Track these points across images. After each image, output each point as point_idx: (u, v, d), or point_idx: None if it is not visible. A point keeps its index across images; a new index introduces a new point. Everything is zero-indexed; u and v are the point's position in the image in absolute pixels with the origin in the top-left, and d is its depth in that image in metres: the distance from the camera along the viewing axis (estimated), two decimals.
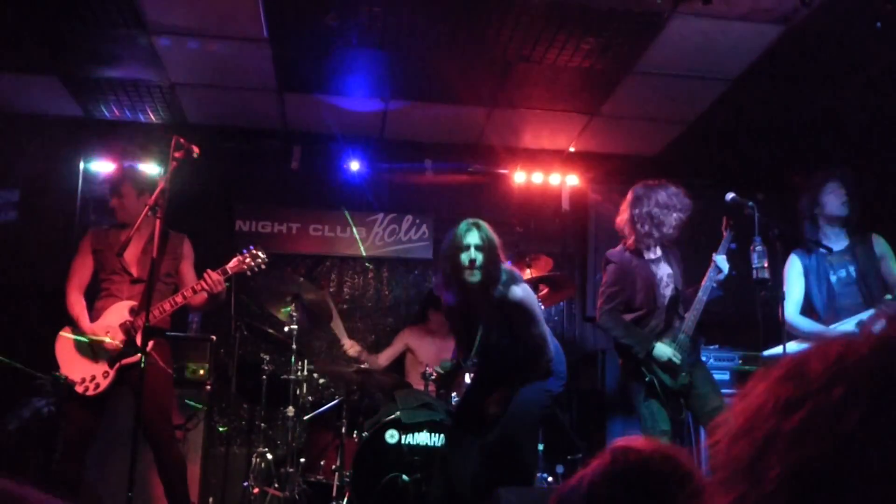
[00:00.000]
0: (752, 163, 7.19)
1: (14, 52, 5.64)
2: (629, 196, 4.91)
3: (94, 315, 4.85)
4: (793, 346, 4.89)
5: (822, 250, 4.90)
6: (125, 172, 5.35)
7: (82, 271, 4.99)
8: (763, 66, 5.54)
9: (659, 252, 4.89)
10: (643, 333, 4.70)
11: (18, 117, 6.58)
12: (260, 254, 4.90)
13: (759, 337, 4.82)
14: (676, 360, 4.59)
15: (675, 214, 4.80)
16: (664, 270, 4.84)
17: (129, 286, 4.89)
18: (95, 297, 4.95)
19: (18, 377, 5.62)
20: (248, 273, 4.93)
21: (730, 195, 4.66)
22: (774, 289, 4.66)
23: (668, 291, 4.80)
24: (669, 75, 5.78)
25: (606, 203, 7.36)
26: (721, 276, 4.70)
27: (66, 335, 4.86)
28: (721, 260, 4.70)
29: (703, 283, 4.71)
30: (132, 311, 4.77)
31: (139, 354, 4.66)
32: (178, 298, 4.77)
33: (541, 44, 5.34)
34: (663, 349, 4.61)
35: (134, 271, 4.91)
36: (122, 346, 4.72)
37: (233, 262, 4.86)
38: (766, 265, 4.38)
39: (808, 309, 4.93)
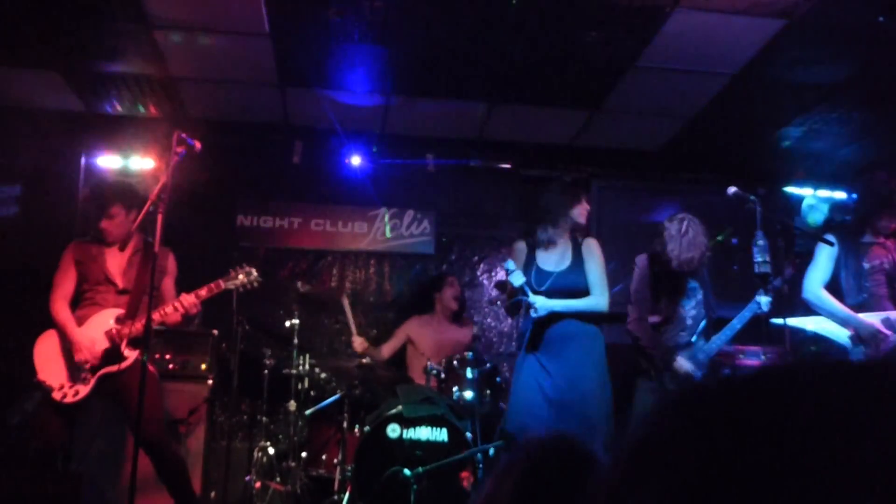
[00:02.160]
0: (753, 157, 7.19)
1: (15, 47, 5.63)
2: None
3: (76, 322, 4.79)
4: (798, 321, 4.93)
5: (858, 238, 4.92)
6: (114, 191, 5.04)
7: (66, 283, 4.89)
8: (764, 61, 5.53)
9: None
10: (667, 347, 4.83)
11: (19, 112, 6.58)
12: (253, 271, 4.88)
13: (759, 333, 4.84)
14: (696, 376, 4.67)
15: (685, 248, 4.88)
16: (688, 283, 4.96)
17: (114, 296, 4.84)
18: (77, 306, 4.88)
19: (20, 372, 5.63)
20: (240, 289, 4.88)
21: (731, 189, 4.66)
22: (776, 284, 4.67)
23: (689, 305, 4.92)
24: (671, 70, 5.77)
25: (608, 198, 7.36)
26: (761, 311, 4.71)
27: (47, 340, 4.79)
28: (765, 302, 4.67)
29: (742, 312, 4.75)
30: (118, 320, 4.73)
31: (121, 363, 4.61)
32: (156, 316, 4.66)
33: (542, 38, 5.34)
34: (683, 363, 4.71)
35: (119, 282, 4.86)
36: (104, 354, 4.66)
37: (226, 278, 4.84)
38: (767, 259, 4.38)
39: (832, 292, 4.92)
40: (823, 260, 4.95)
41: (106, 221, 4.87)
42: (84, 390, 4.63)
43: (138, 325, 4.54)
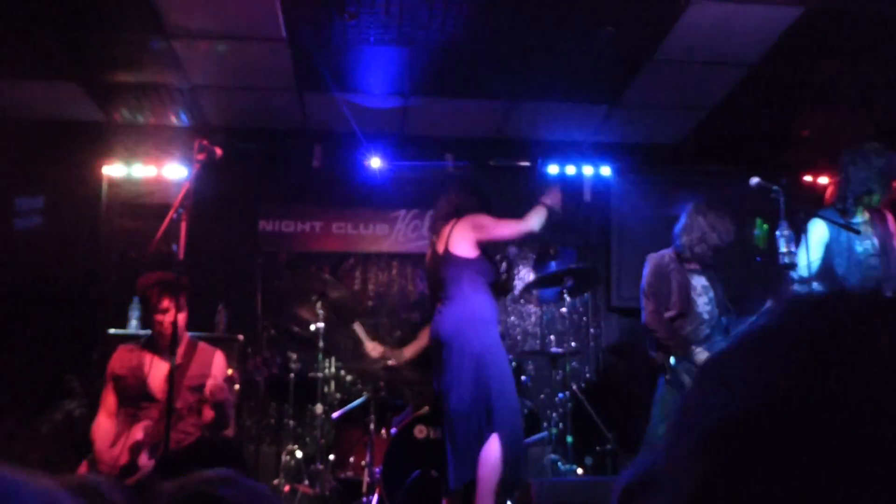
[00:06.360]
0: (774, 147, 7.14)
1: (34, 59, 5.68)
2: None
3: (112, 439, 4.40)
4: None
5: (850, 218, 4.79)
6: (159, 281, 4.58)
7: (108, 400, 4.54)
8: (781, 50, 5.49)
9: (697, 265, 5.03)
10: (685, 338, 4.84)
11: (40, 124, 6.63)
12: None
13: None
14: None
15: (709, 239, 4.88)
16: (699, 281, 4.97)
17: (156, 411, 4.40)
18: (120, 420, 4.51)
19: (48, 380, 5.68)
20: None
21: (754, 180, 4.61)
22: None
23: (701, 301, 4.91)
24: (689, 62, 5.74)
25: (629, 193, 7.33)
26: None
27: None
28: None
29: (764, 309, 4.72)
30: (146, 430, 4.34)
31: (134, 475, 4.23)
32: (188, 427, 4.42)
33: (560, 33, 5.33)
34: (703, 355, 4.73)
35: (161, 396, 4.37)
36: (123, 469, 4.26)
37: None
38: (793, 250, 4.32)
39: (829, 279, 4.81)
40: (815, 244, 4.78)
41: (159, 315, 4.52)
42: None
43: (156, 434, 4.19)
